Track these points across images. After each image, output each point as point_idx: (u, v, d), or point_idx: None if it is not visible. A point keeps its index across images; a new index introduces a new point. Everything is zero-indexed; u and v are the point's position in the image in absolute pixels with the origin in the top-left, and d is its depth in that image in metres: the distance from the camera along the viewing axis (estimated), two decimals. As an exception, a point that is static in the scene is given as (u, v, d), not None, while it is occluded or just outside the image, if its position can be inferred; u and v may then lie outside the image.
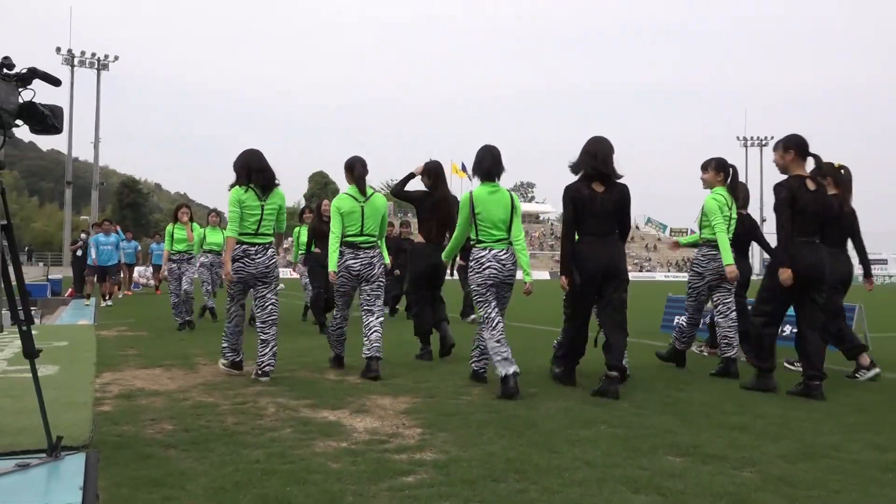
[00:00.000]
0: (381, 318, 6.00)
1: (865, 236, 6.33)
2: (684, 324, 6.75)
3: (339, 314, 6.21)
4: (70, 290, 18.62)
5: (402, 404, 4.69)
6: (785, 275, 5.13)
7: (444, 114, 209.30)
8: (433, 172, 6.89)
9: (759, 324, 5.47)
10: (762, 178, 71.99)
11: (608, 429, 4.02)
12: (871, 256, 6.67)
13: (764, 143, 72.07)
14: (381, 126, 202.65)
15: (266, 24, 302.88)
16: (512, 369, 4.97)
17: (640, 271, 66.59)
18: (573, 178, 5.42)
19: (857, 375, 6.10)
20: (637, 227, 76.78)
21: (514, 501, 2.76)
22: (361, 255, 5.95)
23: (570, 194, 5.28)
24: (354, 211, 5.93)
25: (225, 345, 6.08)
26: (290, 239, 11.02)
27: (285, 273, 20.56)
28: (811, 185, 5.29)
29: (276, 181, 5.82)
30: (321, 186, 74.49)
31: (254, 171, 5.71)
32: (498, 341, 5.11)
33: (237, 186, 5.71)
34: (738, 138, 73.38)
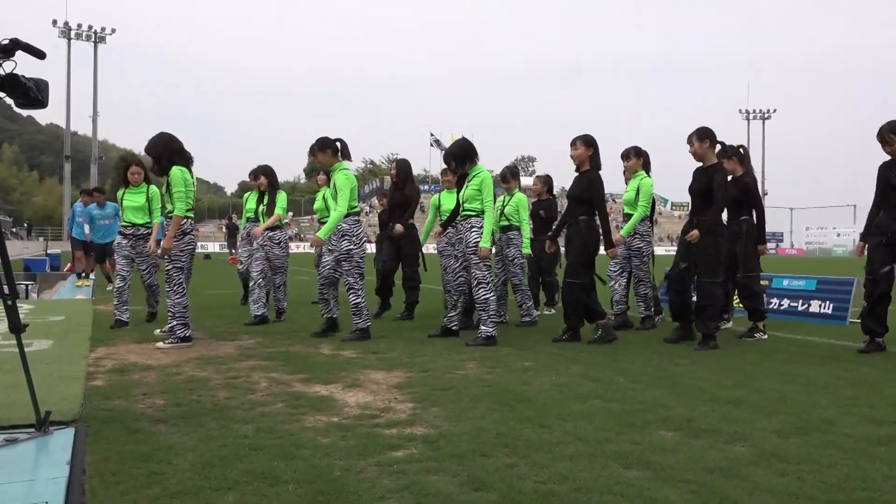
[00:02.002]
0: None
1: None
2: (648, 293, 7.40)
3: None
4: (69, 265, 18.60)
5: (395, 379, 4.67)
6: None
7: (442, 86, 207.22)
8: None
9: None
10: (764, 151, 71.70)
11: (601, 403, 4.00)
12: None
13: (767, 116, 71.71)
14: (377, 98, 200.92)
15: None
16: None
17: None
18: (564, 155, 6.44)
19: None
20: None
21: (502, 476, 2.74)
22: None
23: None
24: None
25: (175, 323, 6.10)
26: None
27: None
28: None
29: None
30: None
31: (182, 152, 6.31)
32: None
33: (179, 167, 6.18)
34: (740, 111, 73.04)
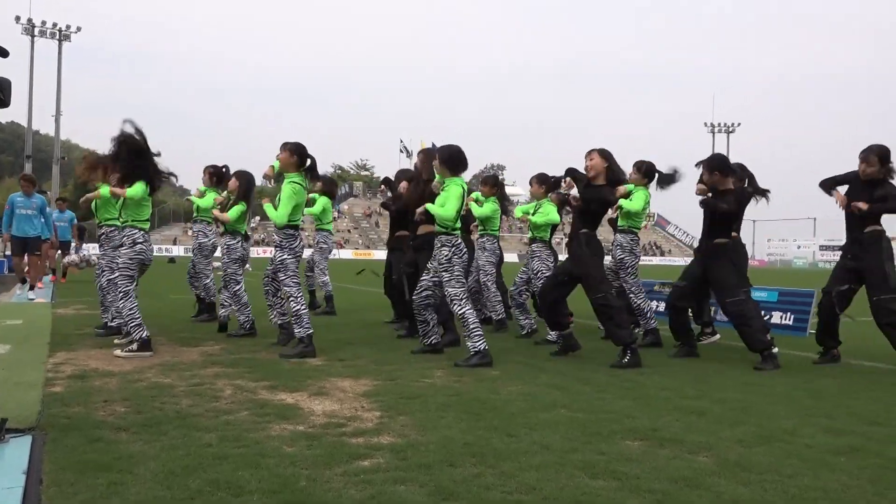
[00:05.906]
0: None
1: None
2: (641, 305, 7.19)
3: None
4: (27, 268, 18.15)
5: (362, 387, 4.64)
6: None
7: (408, 92, 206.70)
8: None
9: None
10: (728, 165, 72.26)
11: (568, 413, 4.02)
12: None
13: (731, 129, 72.94)
14: (345, 103, 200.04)
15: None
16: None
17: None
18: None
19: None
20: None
21: (469, 486, 2.73)
22: None
23: None
24: None
25: (134, 328, 5.88)
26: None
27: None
28: None
29: None
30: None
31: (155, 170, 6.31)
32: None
33: (143, 182, 6.11)
34: (705, 124, 74.11)
